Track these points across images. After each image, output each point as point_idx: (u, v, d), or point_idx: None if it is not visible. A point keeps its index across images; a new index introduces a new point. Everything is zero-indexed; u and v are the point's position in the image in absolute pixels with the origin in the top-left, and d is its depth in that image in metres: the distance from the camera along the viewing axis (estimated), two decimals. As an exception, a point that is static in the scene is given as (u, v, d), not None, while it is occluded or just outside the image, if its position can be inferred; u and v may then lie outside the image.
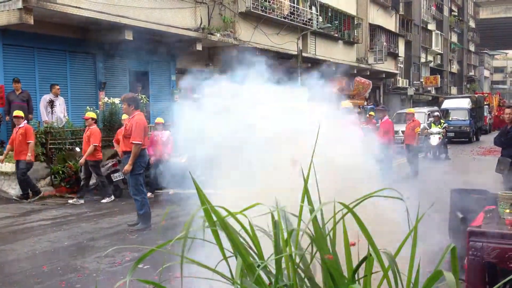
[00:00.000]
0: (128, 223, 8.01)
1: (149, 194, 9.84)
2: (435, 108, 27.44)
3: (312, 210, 1.59)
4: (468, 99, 29.70)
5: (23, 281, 5.33)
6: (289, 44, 20.39)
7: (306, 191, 1.63)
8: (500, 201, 3.94)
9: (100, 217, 8.85)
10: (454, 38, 54.13)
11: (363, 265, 1.88)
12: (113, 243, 6.85)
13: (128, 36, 13.38)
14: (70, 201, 10.22)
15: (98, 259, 6.07)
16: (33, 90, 12.46)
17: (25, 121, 10.52)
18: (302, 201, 1.62)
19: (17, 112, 10.37)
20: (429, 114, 23.07)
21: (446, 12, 50.60)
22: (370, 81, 25.97)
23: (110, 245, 6.76)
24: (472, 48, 62.70)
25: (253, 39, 18.29)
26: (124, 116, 9.82)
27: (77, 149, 11.37)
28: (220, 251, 1.70)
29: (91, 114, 10.52)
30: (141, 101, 12.50)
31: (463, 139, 25.75)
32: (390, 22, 33.69)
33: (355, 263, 1.70)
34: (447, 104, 29.31)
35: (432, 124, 18.63)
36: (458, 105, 27.93)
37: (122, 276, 4.82)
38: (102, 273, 5.49)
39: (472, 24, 62.16)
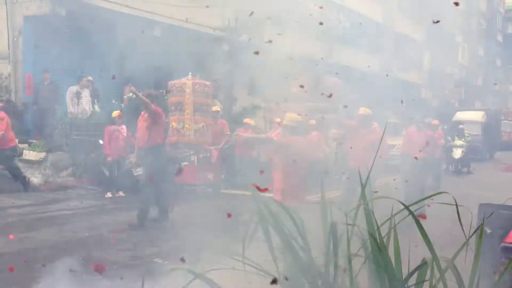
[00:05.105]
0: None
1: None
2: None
3: (368, 211, 1.54)
4: (483, 112, 26.94)
5: (44, 269, 5.34)
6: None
7: (363, 195, 1.57)
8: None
9: (119, 210, 8.88)
10: (481, 52, 53.32)
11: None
12: (132, 236, 6.86)
13: (157, 32, 13.46)
14: None
15: (119, 251, 6.07)
16: (61, 81, 12.59)
17: None
18: (360, 200, 1.56)
19: None
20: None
21: (474, 25, 49.91)
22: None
23: (129, 237, 6.77)
24: (498, 62, 61.70)
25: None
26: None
27: (100, 141, 11.44)
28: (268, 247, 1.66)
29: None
30: (166, 97, 12.53)
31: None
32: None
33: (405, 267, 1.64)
34: (458, 116, 25.78)
35: (456, 137, 18.36)
36: (470, 118, 24.79)
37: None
38: (122, 266, 5.48)
39: (500, 38, 61.19)
